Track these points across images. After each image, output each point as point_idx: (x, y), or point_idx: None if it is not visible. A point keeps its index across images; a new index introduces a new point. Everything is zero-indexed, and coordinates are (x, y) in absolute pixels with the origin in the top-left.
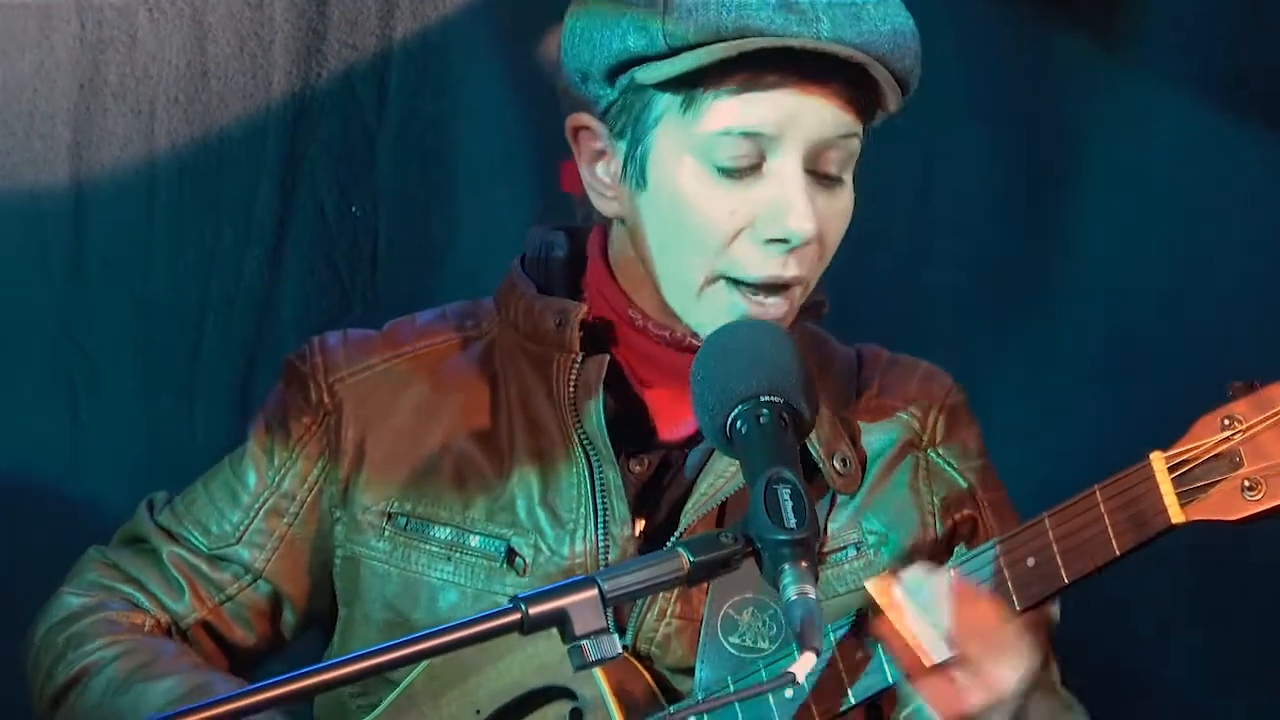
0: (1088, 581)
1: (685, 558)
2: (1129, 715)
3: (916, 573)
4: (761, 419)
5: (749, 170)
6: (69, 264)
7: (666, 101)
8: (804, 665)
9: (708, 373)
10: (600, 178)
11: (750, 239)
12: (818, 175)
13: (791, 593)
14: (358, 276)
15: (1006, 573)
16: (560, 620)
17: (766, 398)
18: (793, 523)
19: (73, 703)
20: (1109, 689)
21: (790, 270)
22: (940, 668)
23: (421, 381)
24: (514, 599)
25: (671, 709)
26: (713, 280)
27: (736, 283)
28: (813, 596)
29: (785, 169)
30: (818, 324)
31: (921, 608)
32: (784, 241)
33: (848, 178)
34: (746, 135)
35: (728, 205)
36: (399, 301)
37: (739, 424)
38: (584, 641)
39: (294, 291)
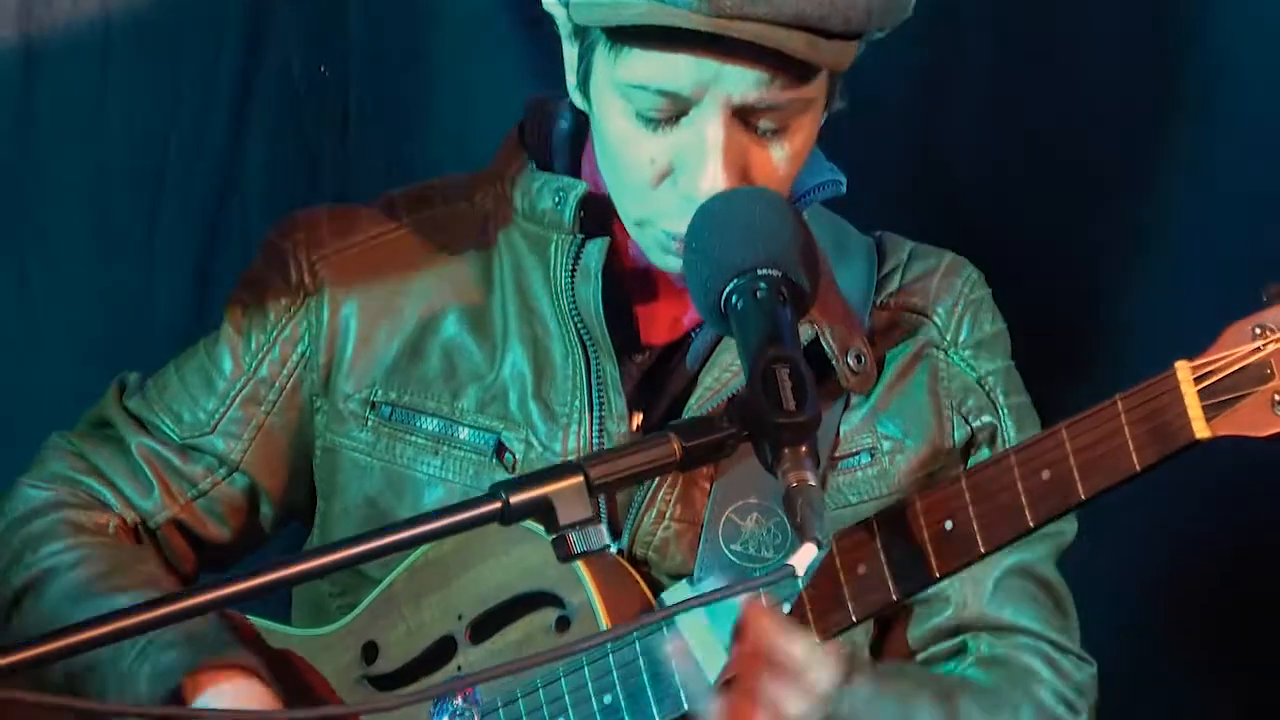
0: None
1: (677, 442)
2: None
3: (674, 589)
4: (758, 294)
5: (670, 120)
6: (17, 124)
7: (597, 35)
8: (804, 558)
9: (701, 244)
10: (570, 64)
11: (672, 187)
12: (751, 129)
13: (790, 479)
14: (327, 142)
15: (1020, 485)
16: (543, 509)
17: (764, 271)
18: (792, 404)
19: (26, 611)
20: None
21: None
22: (721, 691)
23: (409, 261)
24: (494, 486)
25: (662, 601)
26: (642, 222)
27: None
28: (813, 483)
29: (704, 129)
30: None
31: (709, 625)
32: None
33: (796, 124)
34: (662, 93)
35: (648, 152)
36: (372, 171)
37: (734, 299)
38: (568, 532)
39: (259, 157)
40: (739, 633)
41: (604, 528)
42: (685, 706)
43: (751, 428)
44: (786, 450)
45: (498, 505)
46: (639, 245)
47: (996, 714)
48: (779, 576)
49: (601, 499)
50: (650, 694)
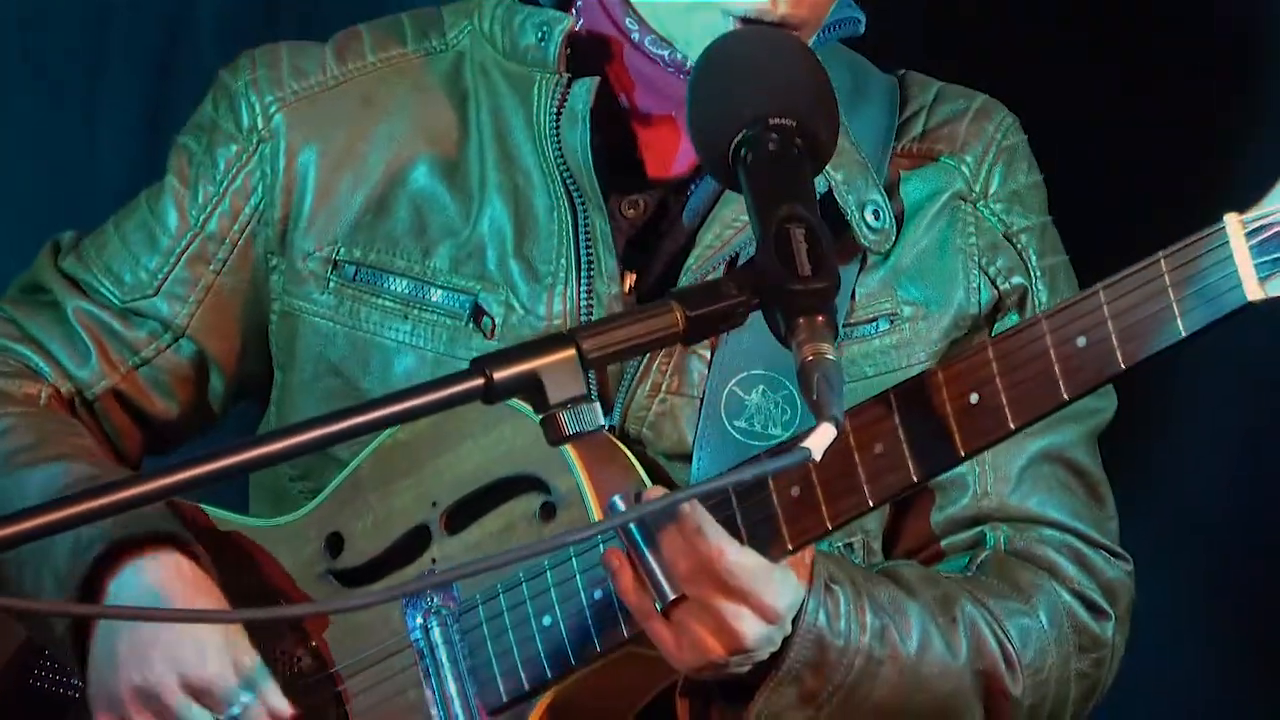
0: None
1: (680, 310)
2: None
3: (651, 492)
4: (771, 145)
5: None
6: None
7: None
8: (821, 439)
9: (708, 90)
10: None
11: None
12: None
13: (806, 352)
14: None
15: (1053, 354)
16: (531, 385)
17: (777, 120)
18: (808, 269)
19: None
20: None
21: (781, 8)
22: (673, 609)
23: (375, 104)
24: (476, 361)
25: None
26: (701, 3)
27: (725, 11)
28: (831, 357)
29: None
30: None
31: (656, 540)
32: None
33: None
34: None
35: None
36: (337, 9)
37: (743, 152)
38: (559, 411)
39: None
40: (687, 547)
41: (598, 406)
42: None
43: (763, 295)
44: (801, 320)
45: (480, 382)
46: (678, 47)
47: (1007, 620)
48: (794, 460)
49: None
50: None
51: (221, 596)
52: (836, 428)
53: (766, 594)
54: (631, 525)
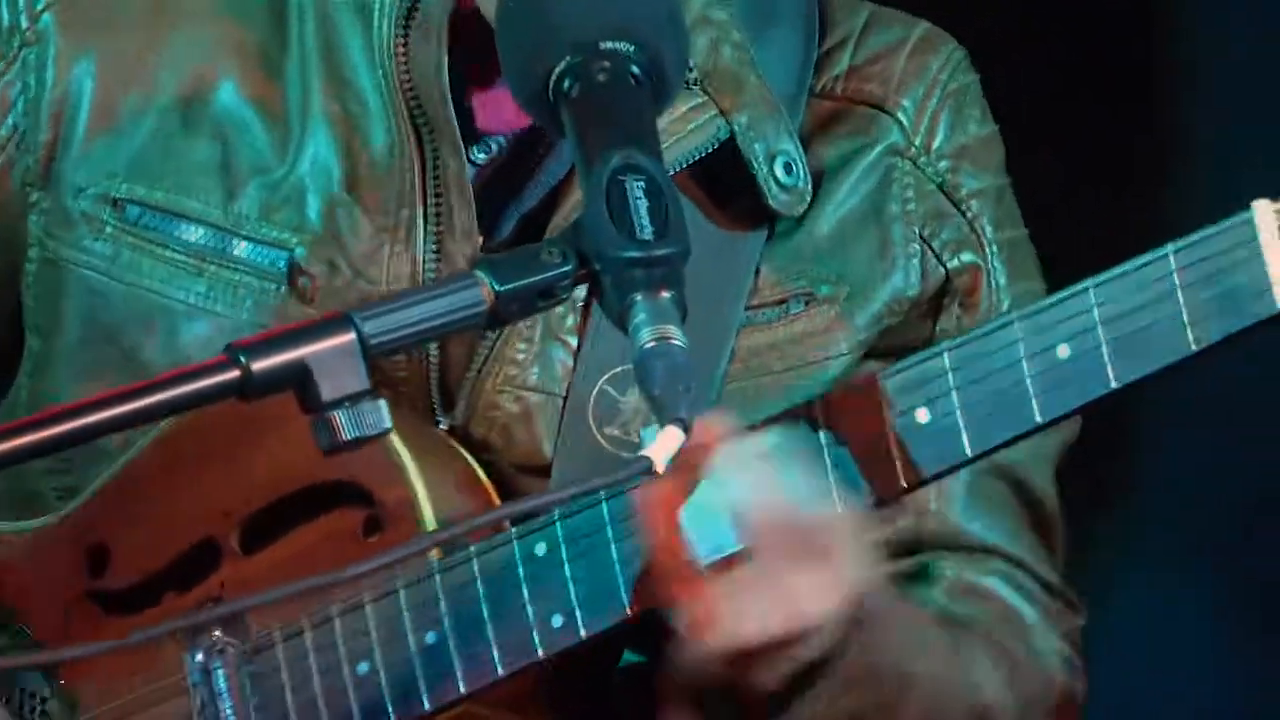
0: None
1: (487, 284)
2: None
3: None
4: (601, 76)
5: None
6: None
7: None
8: (665, 446)
9: (521, 7)
10: None
11: None
12: None
13: (647, 336)
14: None
15: (1027, 364)
16: (299, 379)
17: (609, 44)
18: (648, 231)
19: None
20: None
21: None
22: (717, 570)
23: (171, 5)
24: (231, 347)
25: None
26: None
27: None
28: (679, 343)
29: None
30: None
31: (708, 484)
32: None
33: None
34: None
35: None
36: None
37: (565, 84)
38: (334, 412)
39: None
40: (758, 490)
41: (384, 404)
42: (581, 633)
43: (591, 264)
44: (640, 296)
45: (235, 374)
46: None
47: (1000, 668)
48: (633, 472)
49: (432, 355)
50: (491, 632)
51: None
52: (685, 431)
53: (855, 564)
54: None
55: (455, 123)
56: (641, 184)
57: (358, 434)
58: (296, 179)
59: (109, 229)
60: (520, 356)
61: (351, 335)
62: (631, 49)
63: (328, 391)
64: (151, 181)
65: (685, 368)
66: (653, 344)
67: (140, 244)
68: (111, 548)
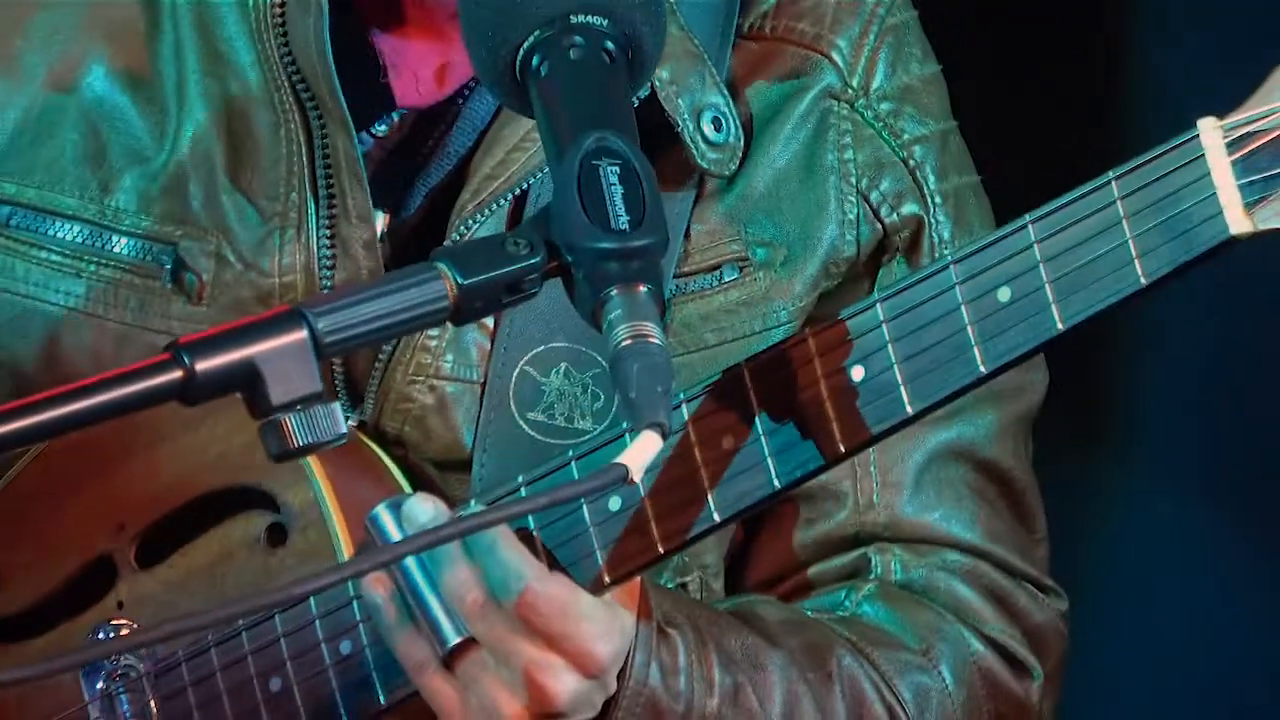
0: None
1: (450, 278)
2: None
3: (420, 507)
4: (573, 53)
5: None
6: None
7: None
8: (642, 454)
9: None
10: None
11: None
12: None
13: (622, 335)
14: None
15: (965, 310)
16: (247, 379)
17: (581, 18)
18: (624, 221)
19: None
20: None
21: None
22: (457, 659)
23: None
24: (172, 346)
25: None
26: None
27: None
28: (657, 341)
29: None
30: None
31: (434, 564)
32: None
33: None
34: None
35: None
36: None
37: (536, 61)
38: (284, 415)
39: None
40: (463, 570)
41: (338, 407)
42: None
43: (562, 255)
44: (616, 291)
45: (177, 375)
46: None
47: (898, 678)
48: (606, 481)
49: None
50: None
51: None
52: (662, 436)
53: (583, 637)
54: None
55: (342, 98)
56: (616, 169)
57: (310, 439)
58: (176, 166)
59: None
60: (432, 343)
61: (303, 333)
62: (605, 23)
63: (277, 394)
64: (20, 178)
65: (664, 368)
66: (629, 343)
67: (12, 246)
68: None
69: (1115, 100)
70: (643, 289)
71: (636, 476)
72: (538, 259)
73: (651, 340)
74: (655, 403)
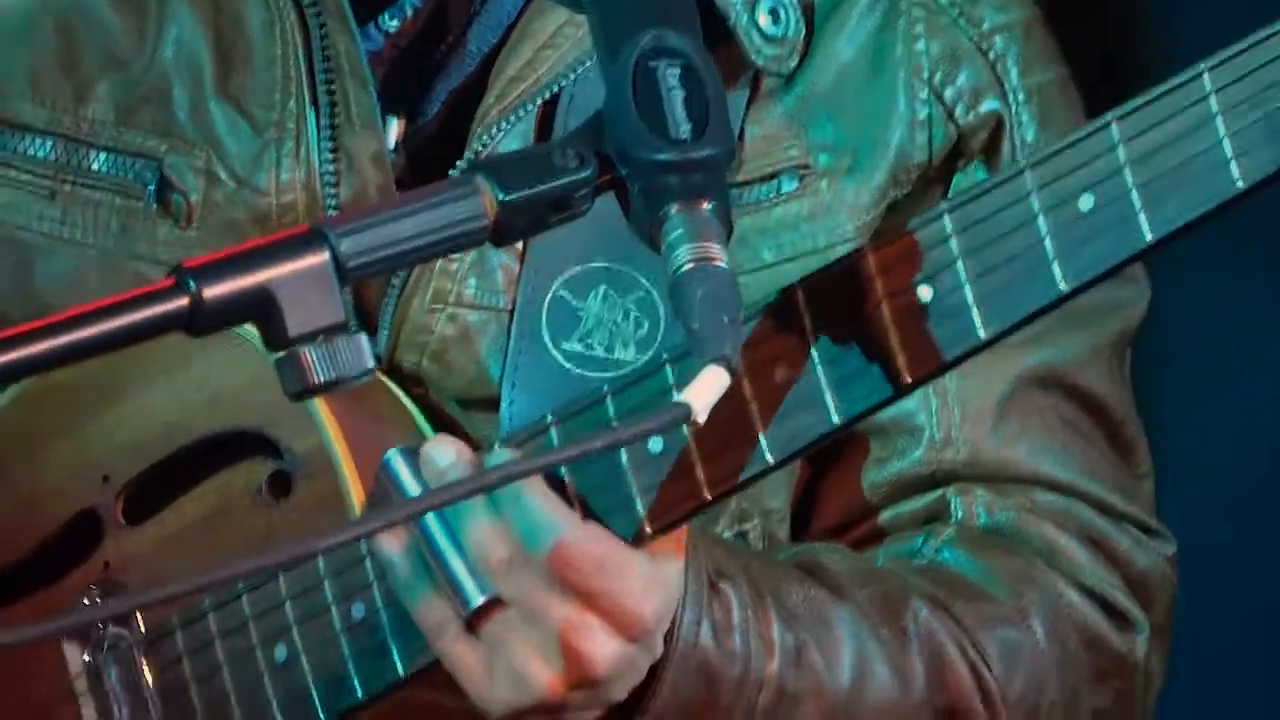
0: None
1: (489, 191)
2: None
3: (439, 451)
4: None
5: None
6: None
7: None
8: (706, 391)
9: None
10: None
11: None
12: None
13: (683, 257)
14: None
15: (1043, 220)
16: (261, 308)
17: None
18: (685, 130)
19: None
20: None
21: None
22: (482, 621)
23: None
24: (176, 270)
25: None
26: None
27: None
28: (723, 264)
29: None
30: None
31: (456, 517)
32: None
33: None
34: None
35: None
36: None
37: None
38: (304, 348)
39: None
40: (489, 523)
41: (364, 339)
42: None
43: (616, 168)
44: (676, 208)
45: (183, 303)
46: None
47: (983, 632)
48: (665, 422)
49: None
50: None
51: None
52: (730, 372)
53: (623, 594)
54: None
55: None
56: (676, 71)
57: (333, 375)
58: (158, 72)
59: None
60: (452, 267)
61: (324, 256)
62: None
63: (295, 324)
64: None
65: (730, 295)
66: (691, 266)
67: None
68: None
69: (1130, 56)
70: (706, 205)
71: (701, 417)
72: (588, 172)
73: (716, 263)
74: (721, 334)
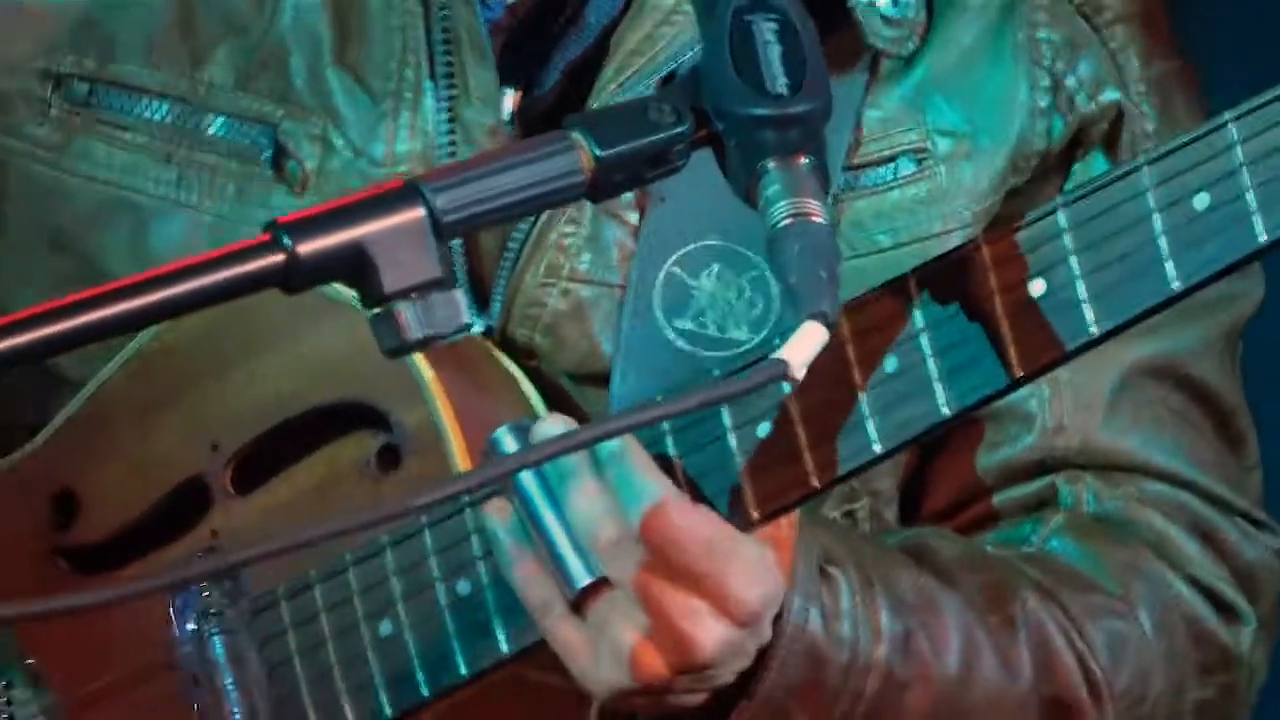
0: None
1: (586, 148)
2: None
3: (549, 428)
4: None
5: None
6: None
7: None
8: (804, 348)
9: None
10: None
11: None
12: None
13: (781, 212)
14: None
15: (1158, 218)
16: (355, 264)
17: None
18: (781, 84)
19: None
20: None
21: None
22: (588, 601)
23: None
24: (271, 225)
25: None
26: None
27: None
28: (820, 220)
29: None
30: None
31: (564, 495)
32: None
33: None
34: None
35: None
36: None
37: None
38: (399, 305)
39: None
40: (599, 501)
41: (460, 295)
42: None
43: (712, 123)
44: (773, 164)
45: (278, 258)
46: None
47: (1091, 623)
48: (762, 379)
49: (456, 246)
50: None
51: None
52: (828, 327)
53: (732, 577)
54: (524, 476)
55: None
56: (774, 25)
57: (429, 332)
58: (276, 38)
59: (53, 110)
60: (567, 241)
61: (420, 211)
62: None
63: (391, 281)
64: (100, 51)
65: (828, 250)
66: (788, 221)
67: (93, 127)
68: (80, 494)
69: None
70: (803, 160)
71: (799, 374)
72: (684, 127)
73: (814, 219)
74: (818, 289)
